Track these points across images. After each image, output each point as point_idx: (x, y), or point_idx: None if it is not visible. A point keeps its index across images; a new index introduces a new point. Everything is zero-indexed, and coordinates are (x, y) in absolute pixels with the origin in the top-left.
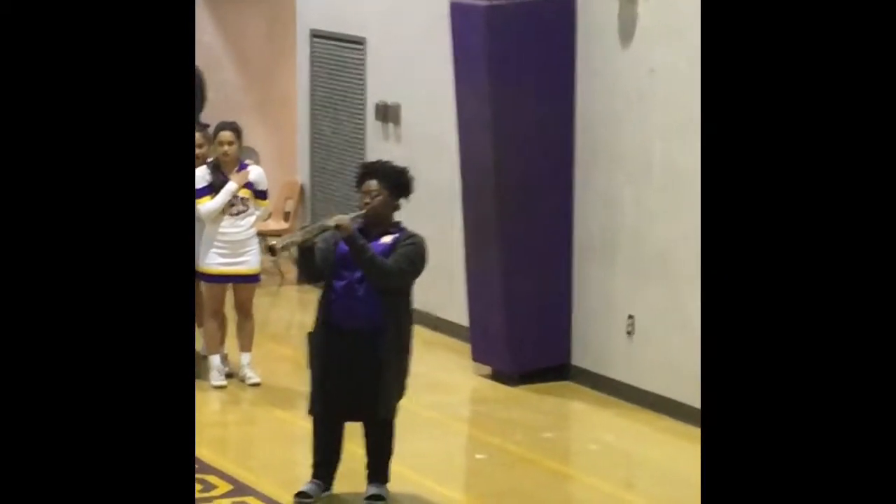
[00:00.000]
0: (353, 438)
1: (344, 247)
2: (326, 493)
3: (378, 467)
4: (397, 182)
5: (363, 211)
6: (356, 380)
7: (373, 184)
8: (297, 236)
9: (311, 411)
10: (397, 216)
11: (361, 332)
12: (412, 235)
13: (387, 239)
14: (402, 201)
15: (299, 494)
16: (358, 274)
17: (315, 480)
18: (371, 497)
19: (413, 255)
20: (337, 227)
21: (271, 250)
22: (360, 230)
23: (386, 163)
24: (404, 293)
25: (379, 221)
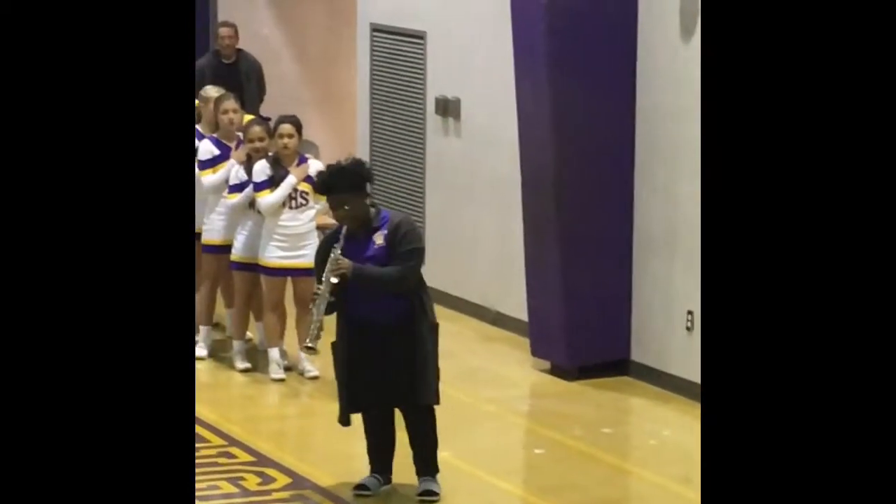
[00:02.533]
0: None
1: (350, 249)
2: (386, 487)
3: (425, 459)
4: (354, 182)
5: (343, 227)
6: (390, 372)
7: (333, 200)
8: (320, 312)
9: (341, 418)
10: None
11: (390, 326)
12: (397, 225)
13: (379, 239)
14: (369, 188)
15: (358, 487)
16: None
17: (373, 474)
18: (423, 493)
19: (413, 241)
20: (344, 275)
21: (311, 350)
22: (353, 238)
23: (335, 168)
24: (420, 282)
25: (361, 223)
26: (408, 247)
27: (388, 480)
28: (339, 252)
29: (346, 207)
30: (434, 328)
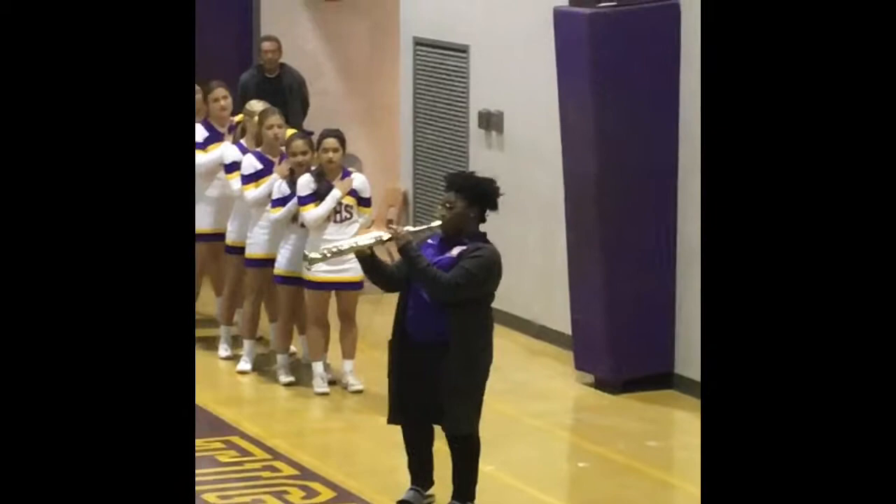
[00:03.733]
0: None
1: (426, 248)
2: (429, 498)
3: (459, 484)
4: (476, 193)
5: (438, 223)
6: (427, 390)
7: (449, 196)
8: (345, 247)
9: (391, 420)
10: (483, 227)
11: (430, 345)
12: (480, 248)
13: (456, 251)
14: (487, 212)
15: (400, 502)
16: None
17: (414, 487)
18: None
19: (475, 268)
20: (392, 237)
21: (308, 259)
22: (441, 241)
23: (468, 174)
24: (478, 306)
25: (456, 233)
26: (468, 266)
27: (428, 493)
28: (413, 236)
29: (453, 210)
30: (475, 357)
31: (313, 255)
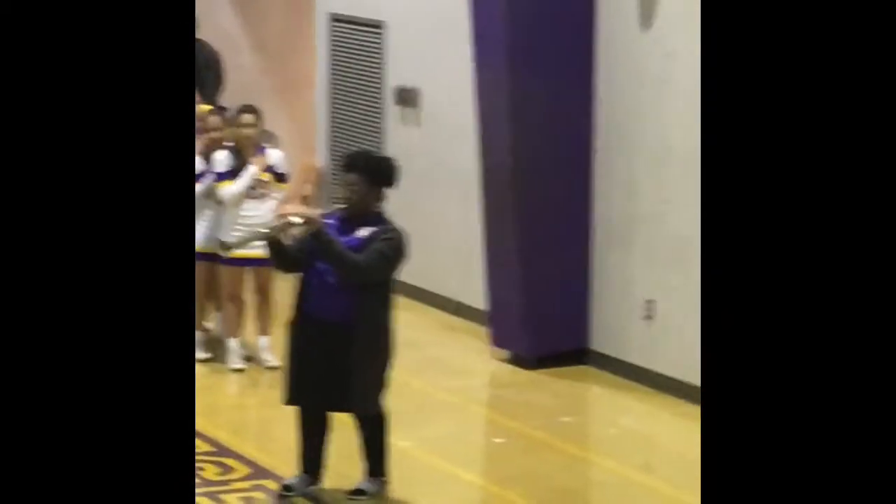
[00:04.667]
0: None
1: (332, 230)
2: (314, 487)
3: (372, 462)
4: (377, 173)
5: (342, 205)
6: (330, 372)
7: (352, 177)
8: (258, 233)
9: (286, 401)
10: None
11: (334, 325)
12: (390, 230)
13: (363, 232)
14: (385, 191)
15: (283, 488)
16: (327, 266)
17: (302, 474)
18: (354, 491)
19: (386, 250)
20: (305, 222)
21: (223, 246)
22: (342, 221)
23: (368, 153)
24: (382, 286)
25: (359, 213)
26: (382, 248)
27: (318, 481)
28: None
29: (355, 189)
30: (381, 334)
31: (229, 240)
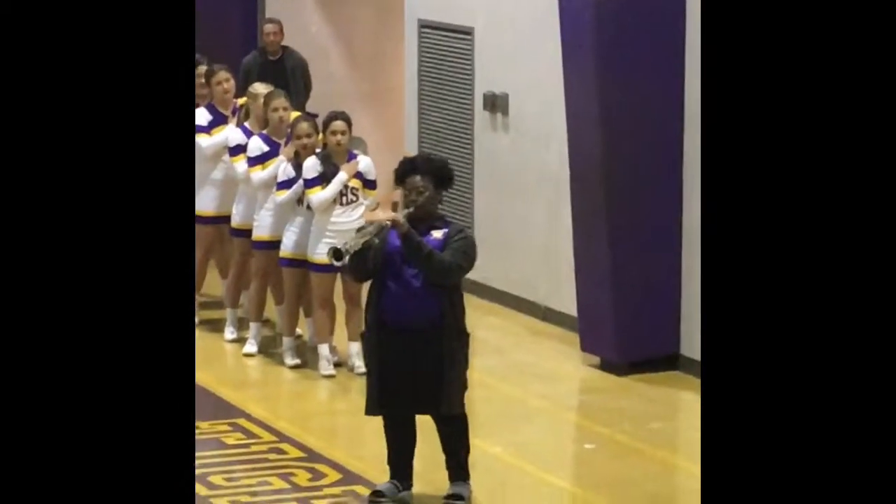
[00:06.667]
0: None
1: (395, 243)
2: (404, 492)
3: (455, 465)
4: (441, 176)
5: (411, 209)
6: (415, 376)
7: (417, 180)
8: (360, 238)
9: (370, 411)
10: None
11: (420, 329)
12: (462, 230)
13: (437, 234)
14: (442, 192)
15: (373, 493)
16: (412, 270)
17: (392, 480)
18: (450, 496)
19: (469, 249)
20: (393, 225)
21: (337, 254)
22: (411, 224)
23: (427, 156)
24: (459, 287)
25: (426, 217)
26: (462, 247)
27: (408, 487)
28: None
29: (425, 194)
30: (463, 336)
31: (336, 249)
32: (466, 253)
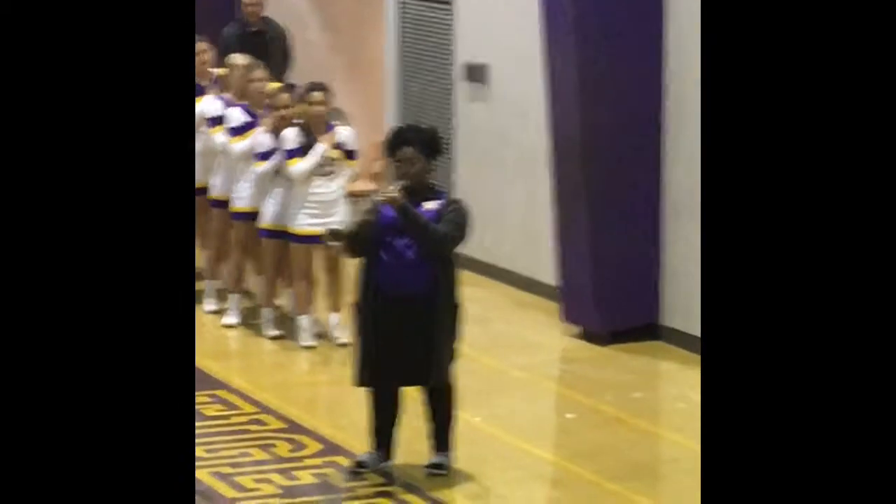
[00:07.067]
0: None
1: (388, 214)
2: (386, 463)
3: (439, 435)
4: (431, 146)
5: (405, 181)
6: (407, 346)
7: (409, 151)
8: (357, 218)
9: (359, 382)
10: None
11: (413, 298)
12: (455, 200)
13: (431, 205)
14: (433, 162)
15: (356, 464)
16: (405, 240)
17: (374, 451)
18: (432, 465)
19: (463, 220)
20: (387, 200)
21: (336, 235)
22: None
23: (416, 127)
24: (453, 258)
25: (419, 188)
26: (455, 218)
27: (389, 457)
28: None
29: (416, 165)
30: (455, 308)
31: (333, 230)
32: (459, 224)
